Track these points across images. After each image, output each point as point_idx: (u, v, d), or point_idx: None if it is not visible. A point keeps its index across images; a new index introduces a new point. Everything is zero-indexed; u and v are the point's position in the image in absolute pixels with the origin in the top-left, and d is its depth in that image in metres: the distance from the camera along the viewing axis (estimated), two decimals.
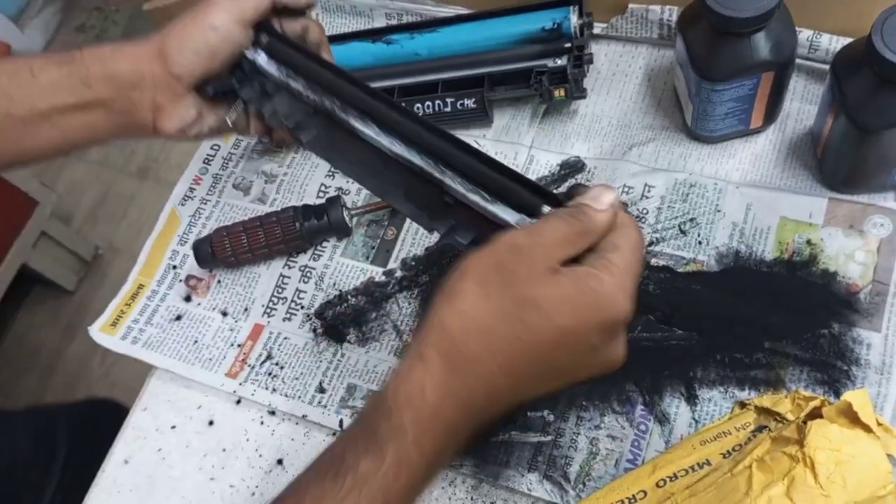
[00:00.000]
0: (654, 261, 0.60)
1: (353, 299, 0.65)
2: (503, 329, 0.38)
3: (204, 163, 0.76)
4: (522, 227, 0.40)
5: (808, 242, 0.57)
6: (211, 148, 0.77)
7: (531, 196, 0.43)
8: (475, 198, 0.44)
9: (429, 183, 0.47)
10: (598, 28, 0.68)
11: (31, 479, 0.78)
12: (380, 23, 0.76)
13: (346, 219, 0.67)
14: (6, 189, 1.61)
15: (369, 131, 0.49)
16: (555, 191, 0.45)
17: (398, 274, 0.65)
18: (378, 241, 0.68)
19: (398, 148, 0.48)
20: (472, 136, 0.70)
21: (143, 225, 1.85)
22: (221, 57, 0.56)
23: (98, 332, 0.69)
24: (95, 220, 1.93)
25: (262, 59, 0.56)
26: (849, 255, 0.56)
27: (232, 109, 0.60)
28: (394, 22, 0.75)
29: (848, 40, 0.58)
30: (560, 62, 0.66)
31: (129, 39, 0.57)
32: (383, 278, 0.66)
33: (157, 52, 0.56)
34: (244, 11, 0.55)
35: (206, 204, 0.74)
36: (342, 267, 0.67)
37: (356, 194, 0.71)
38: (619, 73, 0.69)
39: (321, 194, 0.72)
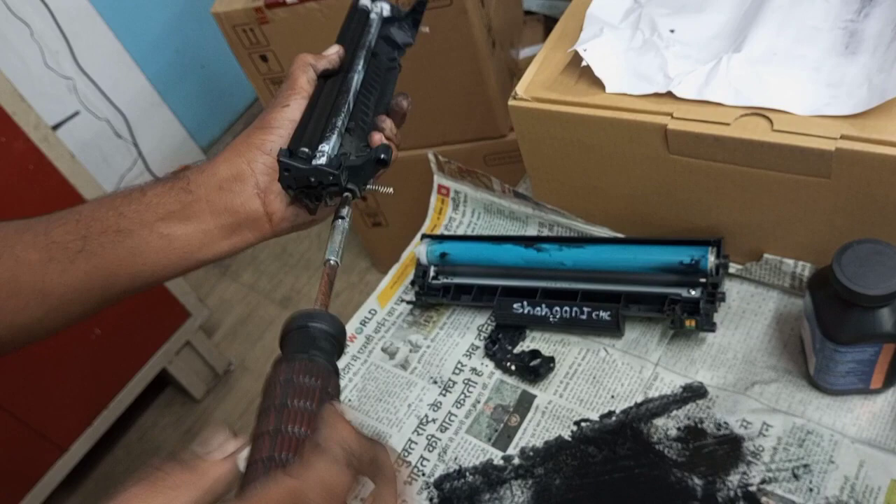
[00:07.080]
0: (764, 500, 0.62)
1: (471, 477, 0.71)
2: None
3: (360, 323, 0.87)
4: None
5: None
6: (369, 312, 0.87)
7: None
8: None
9: None
10: (733, 268, 0.75)
11: None
12: (532, 229, 0.86)
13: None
14: (167, 300, 1.81)
15: None
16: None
17: (515, 461, 0.71)
18: (501, 424, 0.74)
19: None
20: (602, 344, 0.77)
21: (275, 349, 1.99)
22: None
23: None
24: (234, 338, 2.10)
25: None
26: None
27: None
28: (545, 231, 0.85)
29: None
30: (694, 293, 0.72)
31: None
32: (501, 462, 0.71)
33: (248, 143, 0.59)
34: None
35: (355, 361, 0.84)
36: (465, 443, 0.74)
37: (488, 377, 0.78)
38: (748, 311, 0.74)
39: (457, 370, 0.79)
